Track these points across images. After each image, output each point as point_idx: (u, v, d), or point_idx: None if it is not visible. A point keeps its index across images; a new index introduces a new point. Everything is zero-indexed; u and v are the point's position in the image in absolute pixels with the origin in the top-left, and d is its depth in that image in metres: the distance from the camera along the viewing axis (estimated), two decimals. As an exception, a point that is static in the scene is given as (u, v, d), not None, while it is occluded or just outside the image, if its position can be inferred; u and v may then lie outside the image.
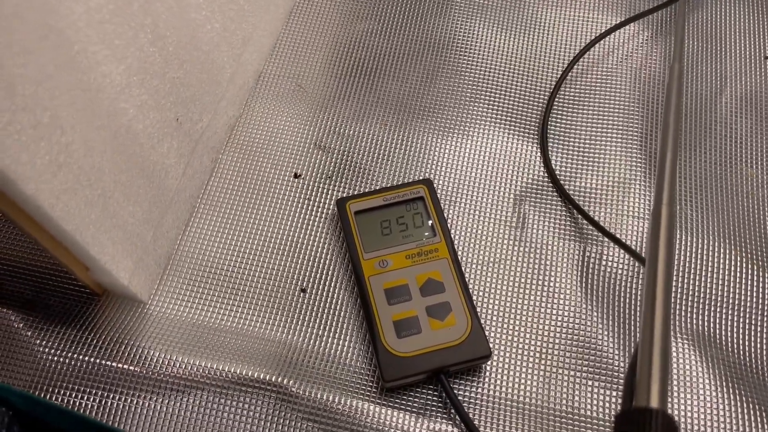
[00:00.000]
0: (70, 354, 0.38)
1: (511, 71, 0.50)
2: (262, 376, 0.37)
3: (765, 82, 0.49)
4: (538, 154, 0.46)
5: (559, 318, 0.40)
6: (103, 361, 0.37)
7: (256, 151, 0.46)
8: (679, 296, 0.41)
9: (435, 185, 0.44)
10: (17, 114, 0.25)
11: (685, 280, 0.41)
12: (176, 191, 0.40)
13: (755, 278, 0.41)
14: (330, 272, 0.42)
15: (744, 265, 0.42)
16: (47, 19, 0.26)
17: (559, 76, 0.49)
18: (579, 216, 0.43)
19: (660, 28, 0.52)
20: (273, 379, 0.37)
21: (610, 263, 0.42)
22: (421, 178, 0.45)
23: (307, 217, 0.44)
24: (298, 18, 0.52)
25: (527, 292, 0.41)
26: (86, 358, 0.37)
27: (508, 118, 0.48)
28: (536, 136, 0.47)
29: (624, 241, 0.42)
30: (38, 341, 0.38)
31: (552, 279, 0.41)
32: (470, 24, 0.52)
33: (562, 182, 0.45)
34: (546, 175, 0.45)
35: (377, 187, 0.44)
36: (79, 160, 0.30)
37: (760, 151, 0.46)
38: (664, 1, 0.51)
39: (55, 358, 0.37)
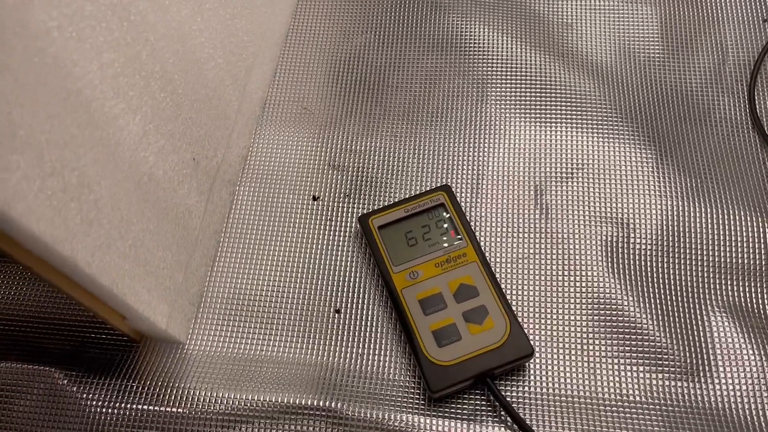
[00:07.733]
0: (116, 404, 0.38)
1: (517, 60, 0.50)
2: (308, 402, 0.37)
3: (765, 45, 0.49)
4: (554, 139, 0.46)
5: (595, 306, 0.40)
6: (150, 407, 0.38)
7: (272, 178, 0.46)
8: (711, 271, 0.41)
9: (454, 189, 0.44)
10: (47, 180, 0.26)
11: (714, 253, 0.41)
12: (200, 229, 0.41)
13: (784, 243, 0.41)
14: (361, 289, 0.42)
15: (771, 231, 0.42)
16: (65, 83, 0.26)
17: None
18: (601, 200, 0.43)
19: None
20: (320, 404, 0.37)
21: (637, 244, 0.42)
22: (438, 184, 0.45)
23: (330, 237, 0.44)
24: (295, 40, 0.52)
25: (560, 284, 0.41)
26: (133, 406, 0.38)
27: (521, 108, 0.48)
28: (549, 121, 0.47)
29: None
30: (84, 395, 0.38)
31: (582, 268, 0.41)
32: (467, 22, 0.52)
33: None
34: (563, 162, 0.45)
35: (396, 200, 0.44)
36: (108, 214, 0.30)
37: (770, 115, 0.46)
38: None
39: (103, 410, 0.38)
